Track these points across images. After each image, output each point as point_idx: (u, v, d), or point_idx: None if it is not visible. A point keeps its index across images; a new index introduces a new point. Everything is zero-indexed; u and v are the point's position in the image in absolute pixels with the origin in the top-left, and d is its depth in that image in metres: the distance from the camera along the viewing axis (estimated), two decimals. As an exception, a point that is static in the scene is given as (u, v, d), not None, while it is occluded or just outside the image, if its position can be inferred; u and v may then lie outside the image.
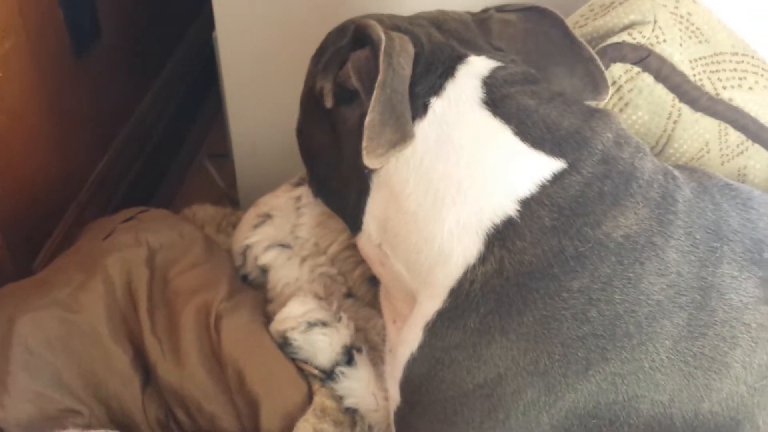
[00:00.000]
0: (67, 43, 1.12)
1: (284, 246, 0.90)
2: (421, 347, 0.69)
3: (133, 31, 1.35)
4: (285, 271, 0.89)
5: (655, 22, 0.80)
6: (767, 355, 0.65)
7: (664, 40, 0.80)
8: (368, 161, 0.67)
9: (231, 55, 1.10)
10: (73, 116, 1.16)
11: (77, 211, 1.17)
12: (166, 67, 1.52)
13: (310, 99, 0.80)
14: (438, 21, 0.76)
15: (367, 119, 0.66)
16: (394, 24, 0.74)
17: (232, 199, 1.36)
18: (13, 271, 1.01)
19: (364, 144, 0.66)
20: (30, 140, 1.05)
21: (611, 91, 0.81)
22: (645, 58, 0.80)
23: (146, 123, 1.41)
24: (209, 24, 1.09)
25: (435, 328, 0.68)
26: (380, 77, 0.66)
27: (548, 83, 0.74)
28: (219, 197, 1.42)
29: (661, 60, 0.80)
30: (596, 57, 0.75)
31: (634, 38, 0.80)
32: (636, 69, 0.81)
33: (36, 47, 1.04)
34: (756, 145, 0.85)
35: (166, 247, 0.88)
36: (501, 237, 0.66)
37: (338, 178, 0.78)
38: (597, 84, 0.75)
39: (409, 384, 0.70)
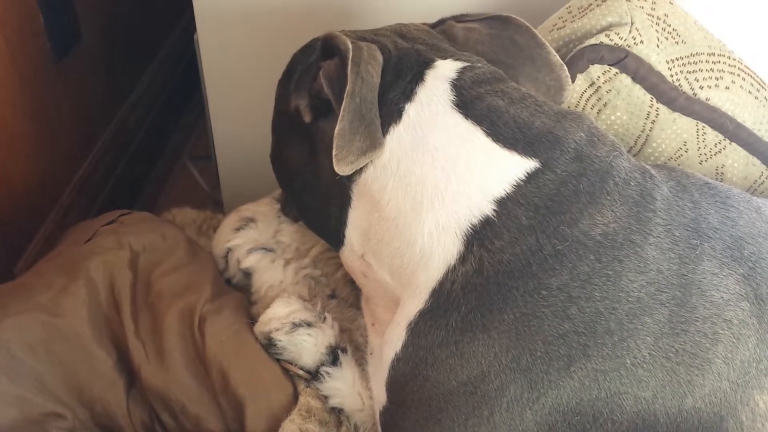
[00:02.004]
0: (47, 47, 1.11)
1: (267, 249, 0.91)
2: (404, 346, 0.69)
3: (115, 34, 1.34)
4: (269, 274, 0.89)
5: (632, 23, 0.81)
6: (749, 352, 0.65)
7: (641, 42, 0.81)
8: (338, 168, 0.68)
9: (213, 57, 1.10)
10: (54, 120, 1.16)
11: (59, 214, 1.16)
12: (148, 69, 1.51)
13: (284, 122, 0.81)
14: (401, 31, 0.78)
15: (337, 128, 0.67)
16: (359, 36, 0.76)
17: (215, 201, 1.36)
18: (-5, 275, 1.00)
19: (334, 152, 0.67)
20: (10, 144, 1.05)
21: (590, 92, 0.83)
22: (623, 60, 0.81)
23: (128, 126, 1.40)
24: (191, 26, 1.08)
25: (418, 327, 0.68)
26: (349, 86, 0.67)
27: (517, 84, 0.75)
28: (202, 199, 1.42)
29: (639, 61, 0.81)
30: (564, 64, 0.77)
31: (612, 40, 0.81)
32: (614, 70, 0.82)
33: (16, 51, 1.03)
34: (733, 144, 0.86)
35: (148, 249, 0.88)
36: (479, 237, 0.67)
37: (318, 195, 0.79)
38: (563, 88, 0.78)
39: (394, 384, 0.71)
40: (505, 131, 0.69)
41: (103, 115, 1.33)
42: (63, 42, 1.15)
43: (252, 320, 0.84)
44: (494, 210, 0.67)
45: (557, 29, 0.85)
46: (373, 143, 0.68)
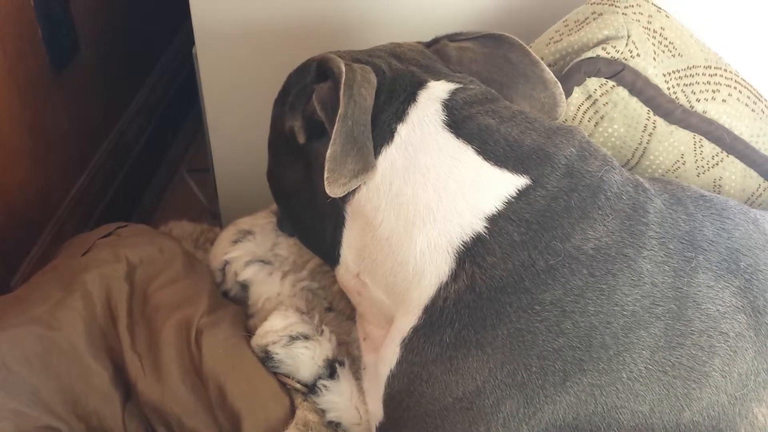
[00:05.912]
0: (45, 60, 1.11)
1: (264, 262, 0.90)
2: (399, 363, 0.69)
3: (113, 46, 1.35)
4: (266, 286, 0.89)
5: (629, 36, 0.82)
6: (746, 364, 0.65)
7: (638, 55, 0.82)
8: (330, 191, 0.68)
9: (211, 70, 1.10)
10: (52, 132, 1.16)
11: (56, 227, 1.16)
12: (146, 82, 1.51)
13: (280, 141, 0.82)
14: (396, 52, 0.78)
15: (329, 151, 0.67)
16: (354, 57, 0.76)
17: (213, 214, 1.36)
18: (-9, 288, 1.00)
19: (326, 175, 0.67)
20: (8, 157, 1.05)
21: (587, 105, 0.83)
22: (619, 72, 0.81)
23: (126, 138, 1.40)
24: (189, 39, 1.09)
25: (411, 343, 0.68)
26: (341, 110, 0.68)
27: (510, 102, 0.75)
28: (200, 212, 1.42)
29: (636, 74, 0.81)
30: (558, 81, 0.78)
31: (609, 53, 0.81)
32: (611, 83, 0.82)
33: (14, 64, 1.04)
34: (731, 157, 0.86)
35: (145, 262, 0.88)
36: (471, 254, 0.67)
37: (313, 214, 0.79)
38: (557, 104, 0.78)
39: (391, 400, 0.71)
40: (495, 149, 0.69)
41: (101, 128, 1.33)
42: (61, 54, 1.15)
43: (249, 333, 0.83)
44: (486, 227, 0.67)
45: (554, 42, 0.86)
46: (365, 166, 0.69)
